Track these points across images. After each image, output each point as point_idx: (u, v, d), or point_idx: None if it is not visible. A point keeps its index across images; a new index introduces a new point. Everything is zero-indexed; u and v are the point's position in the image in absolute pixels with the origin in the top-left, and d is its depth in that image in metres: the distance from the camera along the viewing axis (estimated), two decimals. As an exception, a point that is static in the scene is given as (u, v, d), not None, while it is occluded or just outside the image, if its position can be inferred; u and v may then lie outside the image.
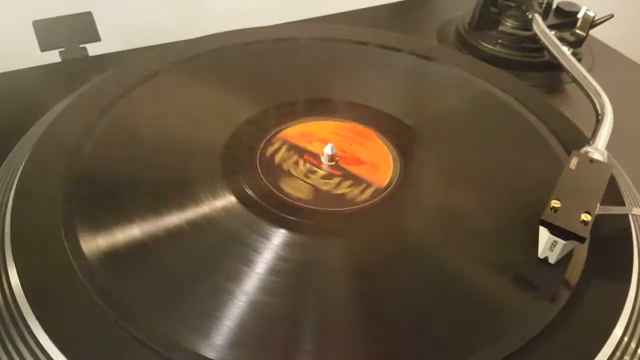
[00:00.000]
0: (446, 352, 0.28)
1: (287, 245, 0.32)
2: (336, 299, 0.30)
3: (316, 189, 0.36)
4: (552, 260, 0.32)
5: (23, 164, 0.36)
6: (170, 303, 0.29)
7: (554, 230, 0.31)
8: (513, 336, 0.28)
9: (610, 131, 0.38)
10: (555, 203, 0.31)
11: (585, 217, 0.31)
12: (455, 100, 0.45)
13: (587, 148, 0.36)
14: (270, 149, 0.39)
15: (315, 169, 0.38)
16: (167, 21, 0.71)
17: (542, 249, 0.32)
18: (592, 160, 0.34)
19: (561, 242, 0.31)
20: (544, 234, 0.32)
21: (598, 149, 0.36)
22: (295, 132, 0.41)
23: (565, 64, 0.47)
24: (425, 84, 0.48)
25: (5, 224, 0.32)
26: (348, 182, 0.37)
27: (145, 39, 0.54)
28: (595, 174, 0.34)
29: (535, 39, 0.52)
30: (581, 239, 0.30)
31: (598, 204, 0.32)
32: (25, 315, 0.28)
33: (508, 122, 0.43)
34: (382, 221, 0.35)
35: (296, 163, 0.38)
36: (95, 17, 0.54)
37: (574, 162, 0.34)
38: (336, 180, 0.37)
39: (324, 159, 0.38)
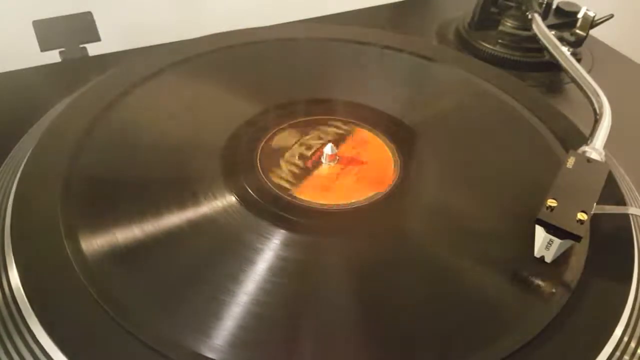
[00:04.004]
0: (446, 352, 0.28)
1: (287, 245, 0.32)
2: (336, 299, 0.30)
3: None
4: (548, 259, 0.32)
5: (23, 164, 0.36)
6: (171, 303, 0.29)
7: (550, 229, 0.31)
8: (513, 336, 0.28)
9: (608, 131, 0.38)
10: (551, 202, 0.31)
11: (582, 216, 0.31)
12: (455, 100, 0.45)
13: (585, 147, 0.36)
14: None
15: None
16: (167, 21, 0.71)
17: (538, 248, 0.32)
18: (589, 160, 0.34)
19: (557, 241, 0.31)
20: (540, 233, 0.32)
21: (596, 149, 0.36)
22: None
23: (564, 64, 0.47)
24: (425, 84, 0.48)
25: (6, 224, 0.32)
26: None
27: (145, 39, 0.54)
28: (593, 174, 0.34)
29: (535, 39, 0.52)
30: (577, 238, 0.30)
31: (595, 204, 0.32)
32: (25, 315, 0.28)
33: (508, 122, 0.43)
34: (382, 221, 0.35)
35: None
36: (95, 17, 0.54)
37: (571, 162, 0.34)
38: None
39: (324, 159, 0.38)
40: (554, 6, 0.57)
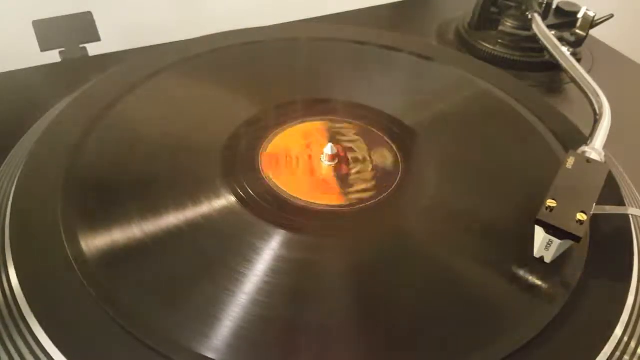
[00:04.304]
0: (446, 352, 0.28)
1: (287, 245, 0.32)
2: (336, 299, 0.30)
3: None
4: (547, 259, 0.32)
5: (23, 163, 0.36)
6: (170, 303, 0.29)
7: (549, 229, 0.31)
8: (513, 336, 0.28)
9: (608, 131, 0.38)
10: (551, 202, 0.31)
11: (581, 216, 0.31)
12: (455, 100, 0.45)
13: (584, 148, 0.36)
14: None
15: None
16: (167, 21, 0.71)
17: (538, 248, 0.32)
18: (588, 160, 0.34)
19: (557, 242, 0.31)
20: (539, 234, 0.32)
21: (595, 149, 0.36)
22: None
23: (564, 64, 0.47)
24: (425, 84, 0.48)
25: (6, 224, 0.32)
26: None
27: (145, 39, 0.54)
28: (592, 174, 0.34)
29: (535, 39, 0.52)
30: (576, 239, 0.30)
31: (594, 204, 0.32)
32: (25, 315, 0.28)
33: (508, 122, 0.43)
34: (382, 221, 0.35)
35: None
36: (95, 17, 0.54)
37: (570, 162, 0.34)
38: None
39: (324, 159, 0.38)
40: (554, 6, 0.57)
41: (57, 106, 0.43)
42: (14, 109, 0.45)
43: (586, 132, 0.39)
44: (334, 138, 0.40)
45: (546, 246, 0.31)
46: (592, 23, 0.54)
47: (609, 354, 0.28)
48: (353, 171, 0.38)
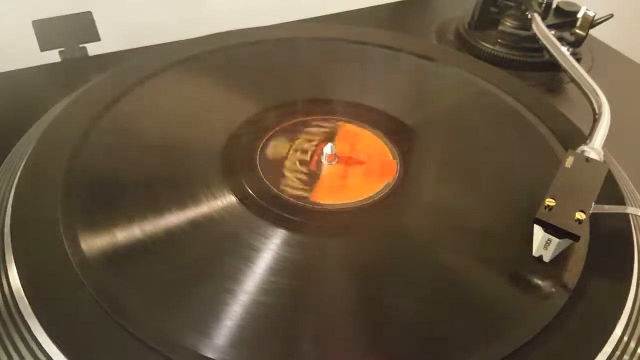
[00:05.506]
0: (446, 352, 0.28)
1: (287, 245, 0.32)
2: (336, 299, 0.30)
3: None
4: (546, 259, 0.32)
5: (23, 163, 0.36)
6: (170, 303, 0.29)
7: (549, 228, 0.31)
8: (513, 336, 0.28)
9: (607, 131, 0.38)
10: (550, 202, 0.31)
11: (580, 216, 0.31)
12: (455, 100, 0.45)
13: (584, 147, 0.36)
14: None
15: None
16: (167, 21, 0.71)
17: (537, 248, 0.32)
18: (588, 160, 0.34)
19: (555, 241, 0.31)
20: (538, 233, 0.32)
21: (595, 149, 0.36)
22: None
23: (564, 64, 0.47)
24: (425, 84, 0.48)
25: (6, 224, 0.32)
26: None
27: (145, 39, 0.54)
28: (591, 173, 0.34)
29: (535, 39, 0.52)
30: (575, 238, 0.30)
31: (593, 203, 0.32)
32: (25, 315, 0.28)
33: (508, 122, 0.43)
34: (382, 221, 0.35)
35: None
36: (95, 17, 0.54)
37: (569, 161, 0.34)
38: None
39: (324, 159, 0.38)
40: (554, 6, 0.57)
41: (57, 106, 0.43)
42: (14, 109, 0.46)
43: (586, 132, 0.39)
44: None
45: (545, 245, 0.32)
46: (592, 23, 0.54)
47: (609, 354, 0.28)
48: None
